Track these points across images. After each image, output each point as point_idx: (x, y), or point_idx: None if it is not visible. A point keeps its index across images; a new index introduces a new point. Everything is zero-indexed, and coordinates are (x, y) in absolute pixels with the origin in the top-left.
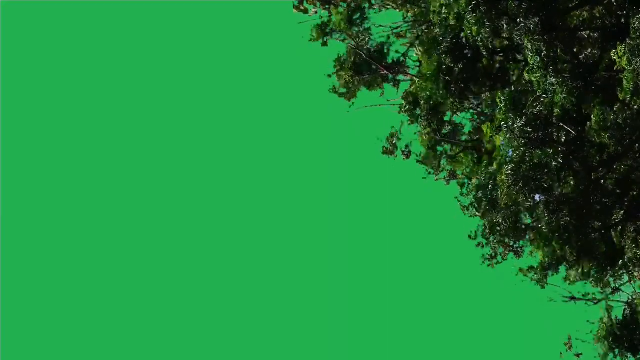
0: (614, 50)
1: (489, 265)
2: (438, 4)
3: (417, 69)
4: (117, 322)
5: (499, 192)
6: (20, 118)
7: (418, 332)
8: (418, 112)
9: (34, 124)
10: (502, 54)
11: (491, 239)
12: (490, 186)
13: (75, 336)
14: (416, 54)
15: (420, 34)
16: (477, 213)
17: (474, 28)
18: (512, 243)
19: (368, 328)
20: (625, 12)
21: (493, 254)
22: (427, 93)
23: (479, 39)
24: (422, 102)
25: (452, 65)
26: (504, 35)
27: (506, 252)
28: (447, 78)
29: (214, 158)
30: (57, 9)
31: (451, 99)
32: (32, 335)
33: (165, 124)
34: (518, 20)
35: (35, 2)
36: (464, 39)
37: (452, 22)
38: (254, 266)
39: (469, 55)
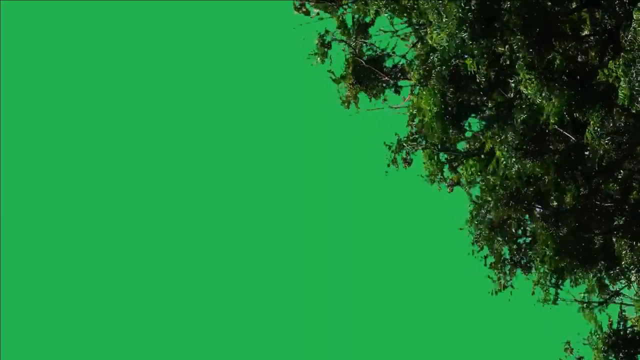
0: (606, 68)
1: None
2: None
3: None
4: (118, 322)
5: (492, 211)
6: (20, 118)
7: (418, 336)
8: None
9: (34, 124)
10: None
11: (498, 276)
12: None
13: (75, 336)
14: (412, 79)
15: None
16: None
17: (472, 62)
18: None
19: (368, 329)
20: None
21: (501, 287)
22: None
23: (479, 70)
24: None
25: (453, 96)
26: (503, 62)
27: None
28: (448, 116)
29: (215, 160)
30: (57, 9)
31: (455, 136)
32: (32, 335)
33: (165, 125)
34: (511, 38)
35: (35, 2)
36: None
37: (450, 50)
38: (254, 268)
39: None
